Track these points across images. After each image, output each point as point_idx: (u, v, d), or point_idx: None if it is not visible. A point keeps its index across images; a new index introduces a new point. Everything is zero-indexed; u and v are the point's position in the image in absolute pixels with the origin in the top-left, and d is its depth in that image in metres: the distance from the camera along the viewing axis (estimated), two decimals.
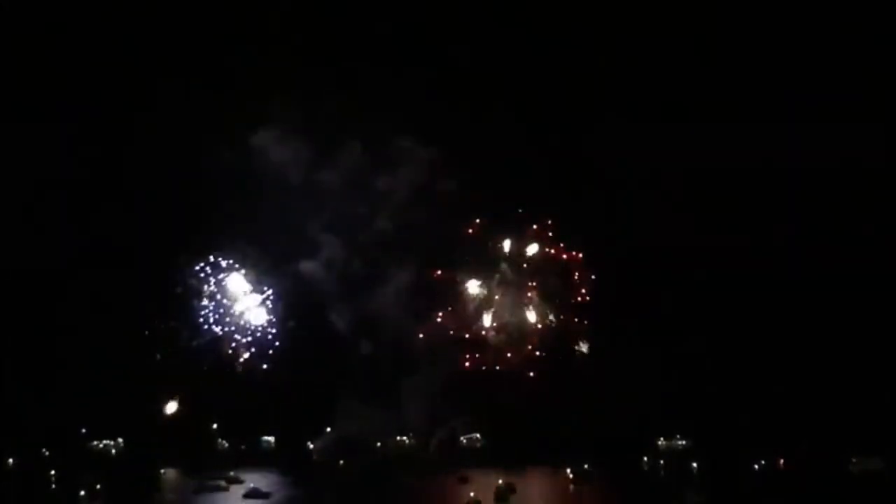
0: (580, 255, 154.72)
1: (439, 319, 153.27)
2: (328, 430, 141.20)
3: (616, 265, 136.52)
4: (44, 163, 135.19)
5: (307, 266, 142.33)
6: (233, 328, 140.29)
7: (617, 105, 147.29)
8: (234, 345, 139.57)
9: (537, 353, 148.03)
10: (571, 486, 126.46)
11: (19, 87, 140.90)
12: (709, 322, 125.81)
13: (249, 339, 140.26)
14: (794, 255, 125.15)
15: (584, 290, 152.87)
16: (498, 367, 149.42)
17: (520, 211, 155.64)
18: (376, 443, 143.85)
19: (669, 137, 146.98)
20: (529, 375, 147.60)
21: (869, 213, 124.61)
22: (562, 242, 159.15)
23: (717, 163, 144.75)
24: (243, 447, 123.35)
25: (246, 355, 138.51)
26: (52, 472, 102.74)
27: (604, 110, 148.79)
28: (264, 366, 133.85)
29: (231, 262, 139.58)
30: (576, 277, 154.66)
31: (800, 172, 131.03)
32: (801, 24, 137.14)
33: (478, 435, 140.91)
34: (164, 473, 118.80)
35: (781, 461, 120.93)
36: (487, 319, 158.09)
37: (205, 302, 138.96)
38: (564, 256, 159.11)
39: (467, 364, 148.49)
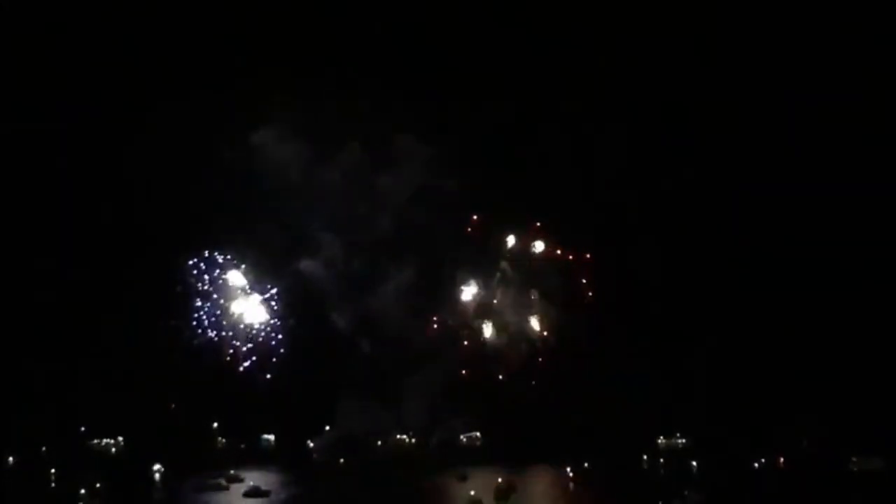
0: (580, 255, 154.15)
1: (441, 318, 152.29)
2: (328, 428, 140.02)
3: (616, 265, 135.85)
4: (44, 161, 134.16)
5: (307, 265, 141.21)
6: (232, 327, 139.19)
7: (619, 105, 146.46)
8: (234, 343, 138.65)
9: (538, 351, 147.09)
10: (572, 485, 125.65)
11: (20, 85, 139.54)
12: (709, 321, 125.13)
13: (249, 337, 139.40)
14: (796, 254, 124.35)
15: (585, 290, 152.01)
16: (498, 366, 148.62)
17: (521, 210, 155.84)
18: (377, 441, 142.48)
19: (671, 137, 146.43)
20: (530, 374, 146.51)
21: (870, 211, 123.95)
22: (563, 242, 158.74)
23: (717, 161, 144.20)
24: (242, 446, 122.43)
25: (246, 355, 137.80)
26: (52, 471, 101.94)
27: (606, 110, 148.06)
28: (264, 364, 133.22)
29: (231, 259, 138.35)
30: (576, 277, 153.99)
31: (798, 172, 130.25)
32: (797, 24, 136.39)
33: (478, 434, 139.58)
34: (164, 472, 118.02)
35: (781, 460, 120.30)
36: (488, 320, 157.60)
37: (205, 301, 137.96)
38: (571, 257, 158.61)
39: (465, 370, 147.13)
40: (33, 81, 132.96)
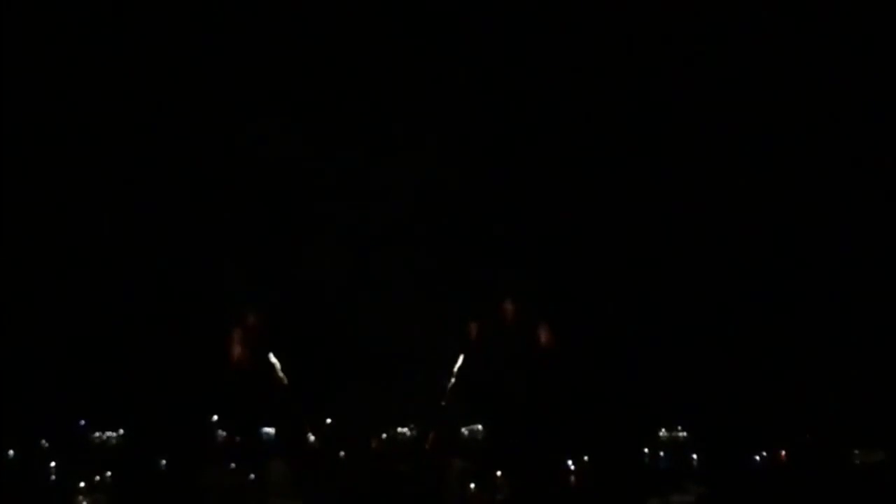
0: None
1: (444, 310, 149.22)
2: (328, 421, 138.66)
3: (616, 256, 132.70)
4: (42, 160, 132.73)
5: (309, 257, 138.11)
6: (232, 321, 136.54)
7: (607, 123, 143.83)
8: (234, 337, 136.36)
9: (539, 343, 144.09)
10: (572, 478, 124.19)
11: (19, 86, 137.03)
12: (709, 313, 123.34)
13: (250, 330, 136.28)
14: (795, 247, 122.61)
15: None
16: (502, 360, 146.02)
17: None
18: (380, 434, 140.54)
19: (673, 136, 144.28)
20: (533, 368, 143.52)
21: (869, 207, 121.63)
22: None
23: (718, 158, 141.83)
24: (238, 439, 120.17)
25: (246, 348, 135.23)
26: (53, 464, 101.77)
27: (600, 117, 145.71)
28: (265, 357, 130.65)
29: (229, 252, 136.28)
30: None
31: (795, 167, 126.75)
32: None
33: (479, 426, 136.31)
34: (165, 465, 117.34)
35: (783, 453, 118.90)
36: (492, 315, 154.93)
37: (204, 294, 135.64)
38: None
39: (468, 364, 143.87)
40: (35, 80, 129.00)
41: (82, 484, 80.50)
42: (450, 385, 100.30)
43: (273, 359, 74.33)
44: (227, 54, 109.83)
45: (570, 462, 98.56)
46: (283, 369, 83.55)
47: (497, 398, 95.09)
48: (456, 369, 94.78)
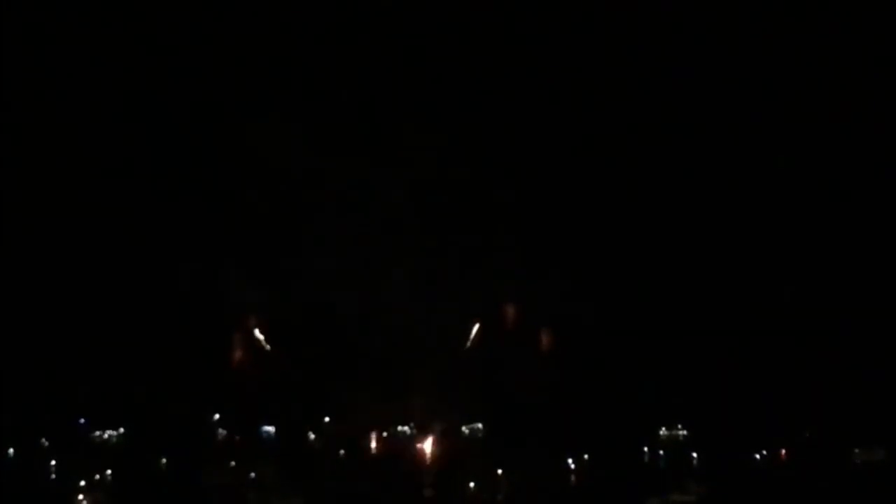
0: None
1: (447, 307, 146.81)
2: (328, 420, 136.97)
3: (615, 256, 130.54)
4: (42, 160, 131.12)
5: (309, 257, 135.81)
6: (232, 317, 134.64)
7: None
8: (235, 336, 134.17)
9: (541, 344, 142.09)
10: (572, 477, 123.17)
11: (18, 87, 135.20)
12: (709, 313, 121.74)
13: (251, 331, 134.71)
14: (794, 248, 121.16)
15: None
16: (502, 361, 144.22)
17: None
18: (381, 433, 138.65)
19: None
20: (533, 368, 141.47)
21: (869, 206, 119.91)
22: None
23: (717, 159, 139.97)
24: (237, 438, 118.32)
25: (247, 346, 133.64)
26: (53, 463, 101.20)
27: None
28: (264, 354, 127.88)
29: (230, 252, 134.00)
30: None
31: (794, 167, 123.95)
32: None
33: (479, 425, 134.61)
34: (165, 464, 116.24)
35: (783, 451, 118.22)
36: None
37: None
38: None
39: (469, 363, 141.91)
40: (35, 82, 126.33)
41: (82, 483, 79.89)
42: (450, 385, 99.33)
43: (257, 332, 73.92)
44: (227, 55, 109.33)
45: (570, 461, 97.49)
46: (276, 360, 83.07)
47: (497, 398, 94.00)
48: (457, 369, 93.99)
